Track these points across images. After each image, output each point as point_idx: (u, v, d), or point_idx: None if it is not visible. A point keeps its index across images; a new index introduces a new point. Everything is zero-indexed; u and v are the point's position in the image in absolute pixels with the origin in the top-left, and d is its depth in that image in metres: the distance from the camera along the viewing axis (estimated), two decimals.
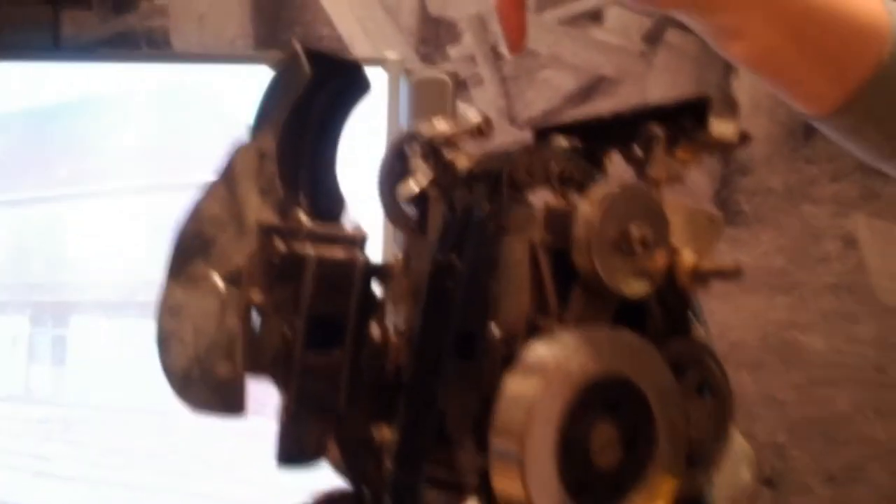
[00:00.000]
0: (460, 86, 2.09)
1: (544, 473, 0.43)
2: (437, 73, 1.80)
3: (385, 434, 0.53)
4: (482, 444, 0.48)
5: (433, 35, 2.20)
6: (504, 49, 2.15)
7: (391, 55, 1.77)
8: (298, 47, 0.53)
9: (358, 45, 2.18)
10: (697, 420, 0.50)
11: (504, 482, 0.43)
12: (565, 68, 2.20)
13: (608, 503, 0.45)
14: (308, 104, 0.54)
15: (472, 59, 2.17)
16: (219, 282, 0.48)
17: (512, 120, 2.21)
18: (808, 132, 2.09)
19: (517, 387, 0.44)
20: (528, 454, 0.42)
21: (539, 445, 0.43)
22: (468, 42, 2.19)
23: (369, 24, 2.22)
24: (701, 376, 0.50)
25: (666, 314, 0.50)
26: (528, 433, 0.42)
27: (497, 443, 0.44)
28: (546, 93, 2.16)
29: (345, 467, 0.54)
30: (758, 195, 2.08)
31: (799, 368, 2.02)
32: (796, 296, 2.05)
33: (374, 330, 0.53)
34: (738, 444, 0.53)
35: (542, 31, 2.16)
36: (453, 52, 2.19)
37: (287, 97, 0.53)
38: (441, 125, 0.56)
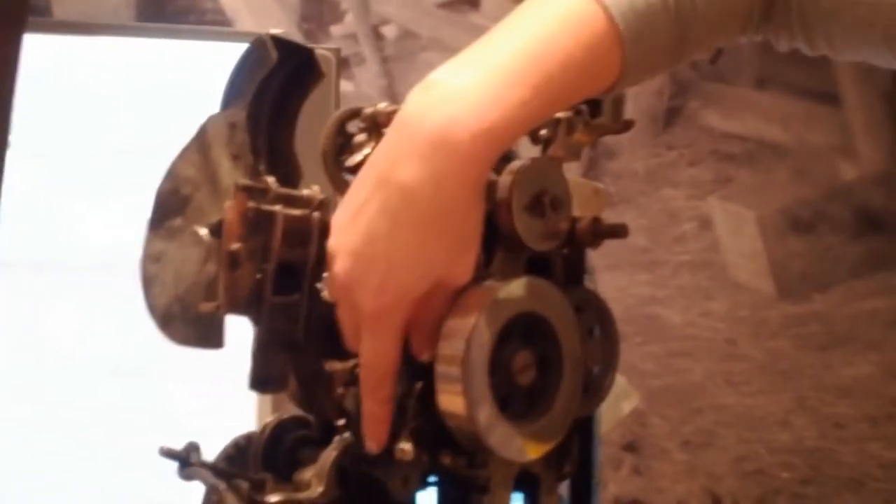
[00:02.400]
0: (343, 64, 2.14)
1: (479, 390, 0.54)
2: (321, 49, 1.85)
3: (334, 367, 0.63)
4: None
5: (316, 13, 2.21)
6: (385, 31, 2.18)
7: (274, 31, 1.81)
8: (266, 35, 0.62)
9: (241, 20, 2.18)
10: (591, 354, 0.62)
11: (448, 400, 0.54)
12: (446, 51, 2.26)
13: (526, 414, 0.56)
14: (269, 83, 0.64)
15: (353, 37, 2.20)
16: (204, 233, 0.57)
17: (393, 99, 2.27)
18: (669, 120, 2.22)
19: (458, 323, 0.54)
20: (467, 375, 0.53)
21: (475, 368, 0.54)
22: (350, 21, 2.21)
23: None
24: (593, 318, 0.62)
25: (565, 267, 0.62)
26: (467, 358, 0.53)
27: (442, 368, 0.54)
28: (427, 74, 2.22)
29: (300, 396, 0.64)
30: (623, 178, 2.16)
31: (658, 341, 2.11)
32: (656, 273, 2.15)
33: (323, 285, 0.63)
34: (620, 383, 0.65)
35: (423, 14, 2.21)
36: (335, 30, 2.21)
37: (254, 76, 0.62)
38: (381, 104, 0.66)
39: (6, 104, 1.11)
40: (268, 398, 1.13)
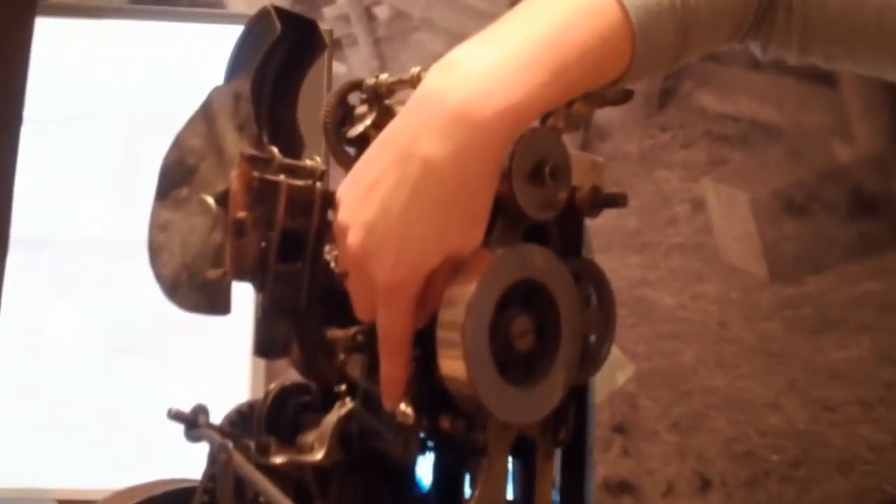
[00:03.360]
0: (335, 45, 2.14)
1: (479, 355, 0.55)
2: None
3: (336, 334, 0.64)
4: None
5: None
6: (377, 11, 2.17)
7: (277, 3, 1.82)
8: (270, 7, 0.63)
9: (234, 2, 2.20)
10: (588, 323, 0.63)
11: (449, 364, 0.55)
12: (437, 31, 2.28)
13: (524, 379, 0.58)
14: (272, 55, 0.65)
15: (346, 19, 2.22)
16: (212, 202, 0.58)
17: None
18: (663, 101, 2.23)
19: (458, 290, 0.56)
20: (467, 340, 0.55)
21: (475, 333, 0.55)
22: (342, 2, 2.23)
23: None
24: (591, 287, 0.64)
25: (564, 237, 0.63)
26: (467, 324, 0.55)
27: (443, 334, 0.56)
28: (419, 55, 2.21)
29: (303, 362, 0.65)
30: (615, 159, 2.18)
31: (649, 323, 2.13)
32: (648, 255, 2.16)
33: (327, 249, 0.64)
34: (614, 353, 0.66)
35: None
36: (328, 11, 2.23)
37: (258, 48, 0.63)
38: (382, 76, 0.67)
39: (20, 88, 1.12)
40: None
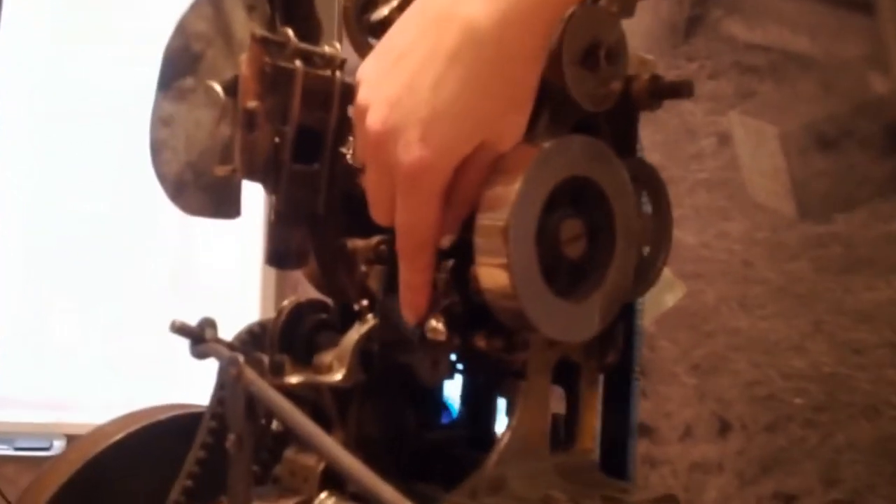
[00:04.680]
0: None
1: (525, 262, 0.48)
2: None
3: (357, 243, 0.57)
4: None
5: None
6: None
7: None
8: None
9: None
10: (642, 232, 0.56)
11: (489, 274, 0.49)
12: None
13: (573, 291, 0.51)
14: None
15: None
16: (219, 90, 0.51)
17: None
18: (690, 29, 2.14)
19: (500, 189, 0.49)
20: (512, 245, 0.48)
21: (520, 237, 0.48)
22: None
23: None
24: (645, 192, 0.57)
25: (616, 134, 0.56)
26: (512, 226, 0.48)
27: (482, 240, 0.49)
28: None
29: (319, 275, 0.58)
30: None
31: (671, 262, 2.05)
32: (671, 191, 2.11)
33: (346, 150, 0.57)
34: (664, 272, 0.60)
35: None
36: None
37: None
38: None
39: None
40: None
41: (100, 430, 0.67)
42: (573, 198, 0.51)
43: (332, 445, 0.45)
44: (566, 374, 0.57)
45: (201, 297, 1.97)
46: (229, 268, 1.96)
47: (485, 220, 0.48)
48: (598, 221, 0.51)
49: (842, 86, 2.11)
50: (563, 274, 0.50)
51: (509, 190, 0.48)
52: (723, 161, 2.10)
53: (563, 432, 0.58)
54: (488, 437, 0.61)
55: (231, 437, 0.48)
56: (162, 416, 0.67)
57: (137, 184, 1.91)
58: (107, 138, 1.93)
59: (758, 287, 2.09)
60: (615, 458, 0.63)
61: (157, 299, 1.97)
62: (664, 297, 1.83)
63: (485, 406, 0.62)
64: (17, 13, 1.93)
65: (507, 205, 0.48)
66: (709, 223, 2.08)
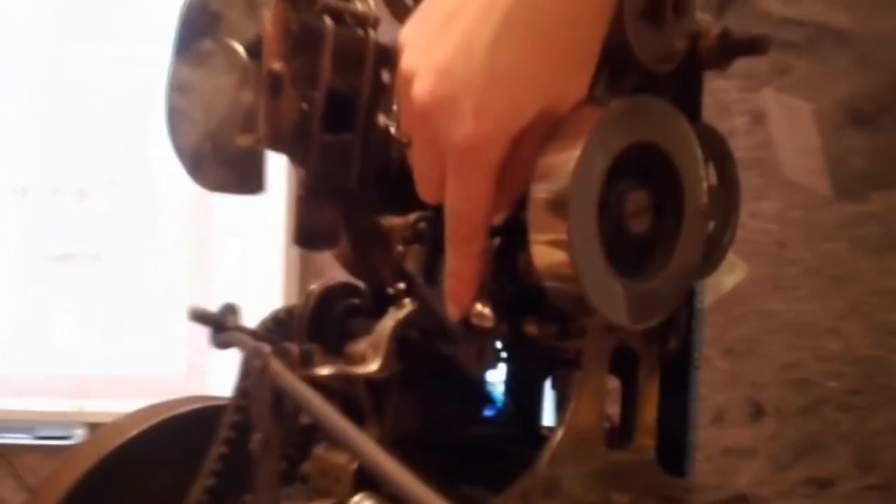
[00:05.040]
0: None
1: (586, 238, 0.43)
2: None
3: (393, 222, 0.52)
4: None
5: None
6: None
7: None
8: None
9: None
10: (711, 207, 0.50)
11: (544, 252, 0.43)
12: None
13: (637, 271, 0.46)
14: None
15: None
16: (241, 51, 0.46)
17: None
18: (724, 3, 2.09)
19: (558, 157, 0.43)
20: (572, 219, 0.42)
21: (582, 209, 0.43)
22: None
23: None
24: (712, 162, 0.51)
25: (678, 98, 0.50)
26: (573, 197, 0.42)
27: (537, 214, 0.43)
28: None
29: (352, 256, 0.53)
30: None
31: None
32: None
33: (382, 119, 0.52)
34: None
35: None
36: None
37: None
38: None
39: None
40: None
41: (118, 424, 0.63)
42: (638, 166, 0.45)
43: (366, 444, 0.40)
44: (622, 364, 0.52)
45: (220, 281, 1.93)
46: (250, 251, 1.92)
47: (541, 191, 0.43)
48: (665, 193, 0.46)
49: (879, 61, 2.08)
50: (627, 252, 0.45)
51: (569, 157, 0.42)
52: (757, 139, 2.06)
53: (620, 427, 0.53)
54: (535, 433, 0.56)
55: (256, 437, 0.43)
56: (182, 410, 0.63)
57: (137, 183, 1.88)
58: (107, 138, 1.91)
59: (792, 268, 2.06)
60: (673, 455, 0.57)
61: (173, 288, 1.93)
62: (724, 278, 1.78)
63: (531, 398, 0.57)
64: (17, 13, 1.93)
65: (566, 174, 0.42)
66: (742, 202, 2.06)
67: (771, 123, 2.06)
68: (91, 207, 1.97)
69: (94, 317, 1.96)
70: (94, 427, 1.75)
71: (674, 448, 0.57)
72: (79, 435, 1.84)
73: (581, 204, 0.42)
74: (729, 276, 1.71)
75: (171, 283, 1.94)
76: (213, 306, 0.51)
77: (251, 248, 1.90)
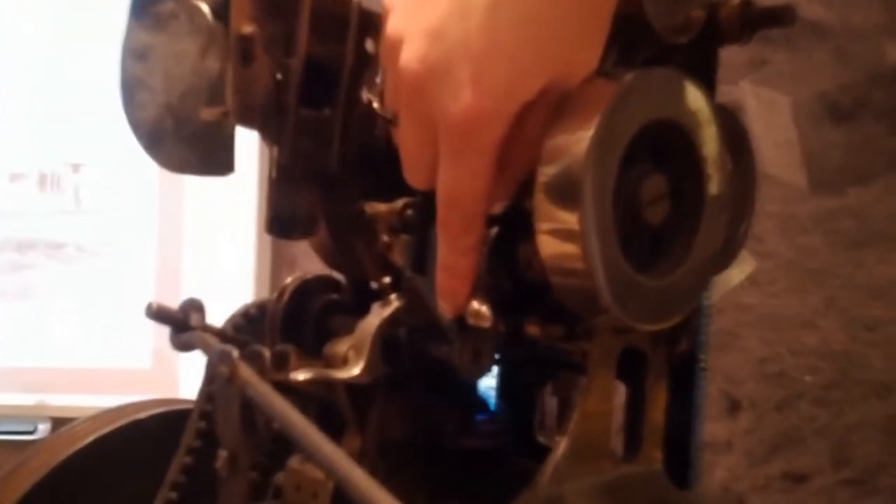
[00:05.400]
0: None
1: (602, 226, 0.38)
2: None
3: (378, 208, 0.47)
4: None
5: None
6: None
7: None
8: None
9: None
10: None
11: (552, 243, 0.38)
12: None
13: (654, 262, 0.41)
14: None
15: None
16: (207, 12, 0.40)
17: None
18: None
19: (570, 135, 0.38)
20: (586, 206, 0.37)
21: (596, 195, 0.38)
22: None
23: None
24: (728, 144, 0.46)
25: (694, 75, 0.46)
26: (588, 180, 0.37)
27: (547, 199, 0.38)
28: None
29: (331, 246, 0.48)
30: None
31: None
32: None
33: (365, 93, 0.47)
34: None
35: None
36: None
37: None
38: None
39: None
40: None
41: (69, 431, 0.57)
42: (655, 148, 0.40)
43: (345, 465, 0.35)
44: (628, 367, 0.47)
45: (186, 271, 1.88)
46: (217, 239, 1.86)
47: (550, 172, 0.38)
48: (683, 178, 0.41)
49: (857, 55, 2.09)
50: (642, 244, 0.40)
51: (581, 137, 0.37)
52: None
53: (626, 436, 0.48)
54: (532, 442, 0.52)
55: (222, 454, 0.37)
56: (142, 415, 0.57)
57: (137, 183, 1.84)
58: (106, 138, 1.87)
59: (769, 262, 2.03)
60: (675, 464, 0.53)
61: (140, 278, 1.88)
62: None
63: (527, 405, 0.52)
64: (17, 13, 1.90)
65: (578, 156, 0.37)
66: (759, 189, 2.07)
67: (748, 116, 2.03)
68: (64, 199, 1.92)
69: (59, 309, 1.91)
70: (58, 422, 1.70)
71: (678, 456, 0.53)
72: (43, 430, 1.79)
73: (595, 190, 0.37)
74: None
75: (137, 273, 1.89)
76: (181, 297, 0.46)
77: (219, 237, 1.84)
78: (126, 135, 0.46)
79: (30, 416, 1.83)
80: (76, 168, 1.93)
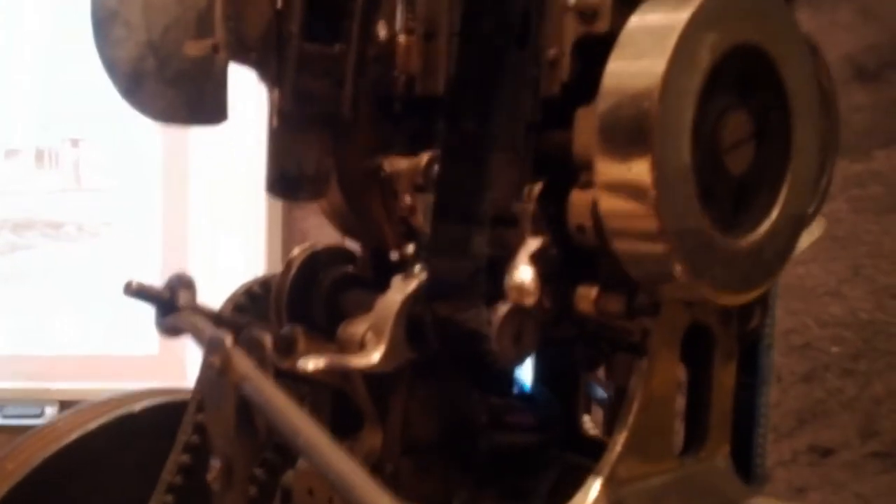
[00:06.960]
0: None
1: (677, 175, 0.31)
2: None
3: (398, 164, 0.40)
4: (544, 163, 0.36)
5: None
6: None
7: None
8: None
9: None
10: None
11: (614, 199, 0.31)
12: None
13: (737, 218, 0.34)
14: None
15: None
16: None
17: None
18: None
19: (636, 61, 0.31)
20: (658, 146, 0.30)
21: (671, 133, 0.31)
22: None
23: None
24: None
25: None
26: (657, 118, 0.30)
27: (608, 139, 0.31)
28: None
29: (344, 209, 0.41)
30: None
31: None
32: None
33: (381, 28, 0.40)
34: None
35: None
36: None
37: None
38: None
39: None
40: None
41: (51, 427, 0.51)
42: (737, 78, 0.33)
43: (359, 480, 0.28)
44: (691, 348, 0.40)
45: (193, 249, 1.82)
46: (225, 219, 1.80)
47: (610, 113, 0.31)
48: (768, 117, 0.34)
49: (883, 14, 2.02)
50: (724, 197, 0.33)
51: (652, 65, 0.30)
52: None
53: (688, 427, 0.41)
54: (578, 434, 0.45)
55: (214, 464, 0.30)
56: (136, 407, 0.51)
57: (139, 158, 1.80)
58: (107, 111, 1.82)
59: None
60: (738, 452, 0.46)
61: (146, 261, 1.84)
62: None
63: (572, 392, 0.45)
64: (17, 13, 1.87)
65: (649, 89, 0.30)
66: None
67: None
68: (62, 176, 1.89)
69: (59, 292, 1.87)
70: (65, 405, 1.66)
71: (741, 445, 0.46)
72: (50, 413, 1.75)
73: (670, 131, 0.30)
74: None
75: (141, 254, 1.84)
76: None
77: (226, 213, 1.77)
78: (128, 107, 0.39)
79: (36, 399, 1.78)
80: (75, 143, 1.88)
